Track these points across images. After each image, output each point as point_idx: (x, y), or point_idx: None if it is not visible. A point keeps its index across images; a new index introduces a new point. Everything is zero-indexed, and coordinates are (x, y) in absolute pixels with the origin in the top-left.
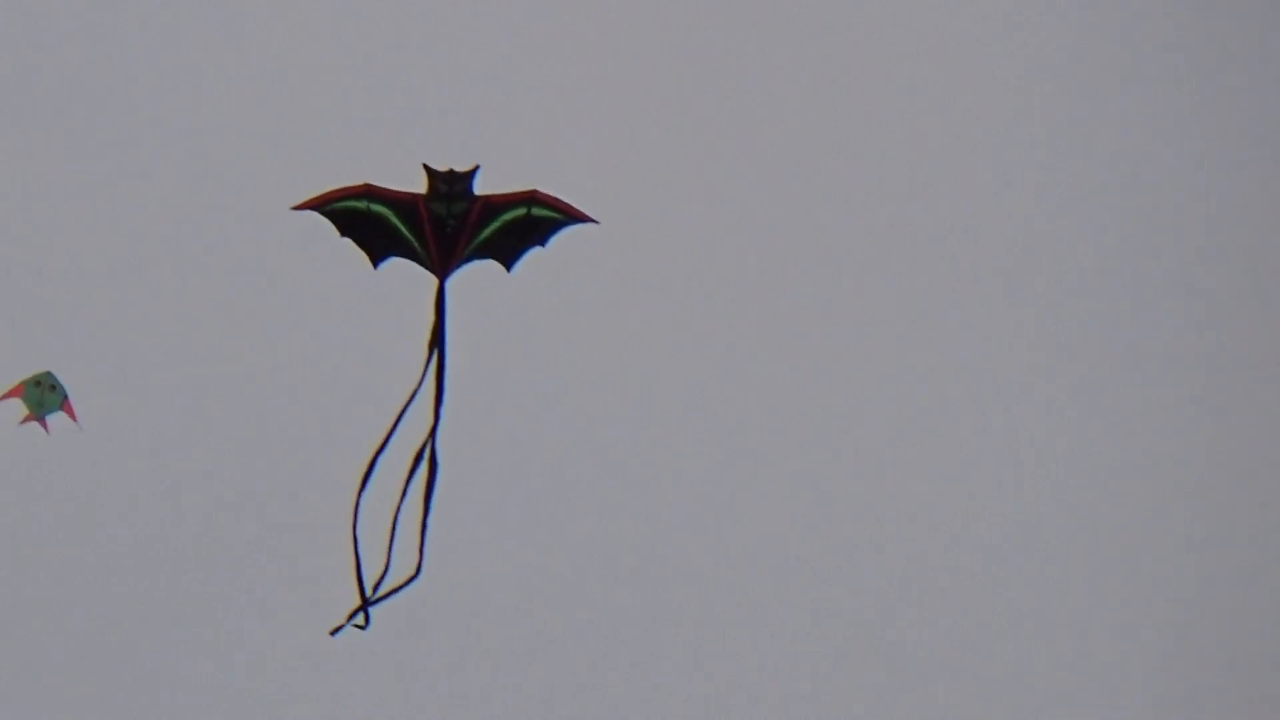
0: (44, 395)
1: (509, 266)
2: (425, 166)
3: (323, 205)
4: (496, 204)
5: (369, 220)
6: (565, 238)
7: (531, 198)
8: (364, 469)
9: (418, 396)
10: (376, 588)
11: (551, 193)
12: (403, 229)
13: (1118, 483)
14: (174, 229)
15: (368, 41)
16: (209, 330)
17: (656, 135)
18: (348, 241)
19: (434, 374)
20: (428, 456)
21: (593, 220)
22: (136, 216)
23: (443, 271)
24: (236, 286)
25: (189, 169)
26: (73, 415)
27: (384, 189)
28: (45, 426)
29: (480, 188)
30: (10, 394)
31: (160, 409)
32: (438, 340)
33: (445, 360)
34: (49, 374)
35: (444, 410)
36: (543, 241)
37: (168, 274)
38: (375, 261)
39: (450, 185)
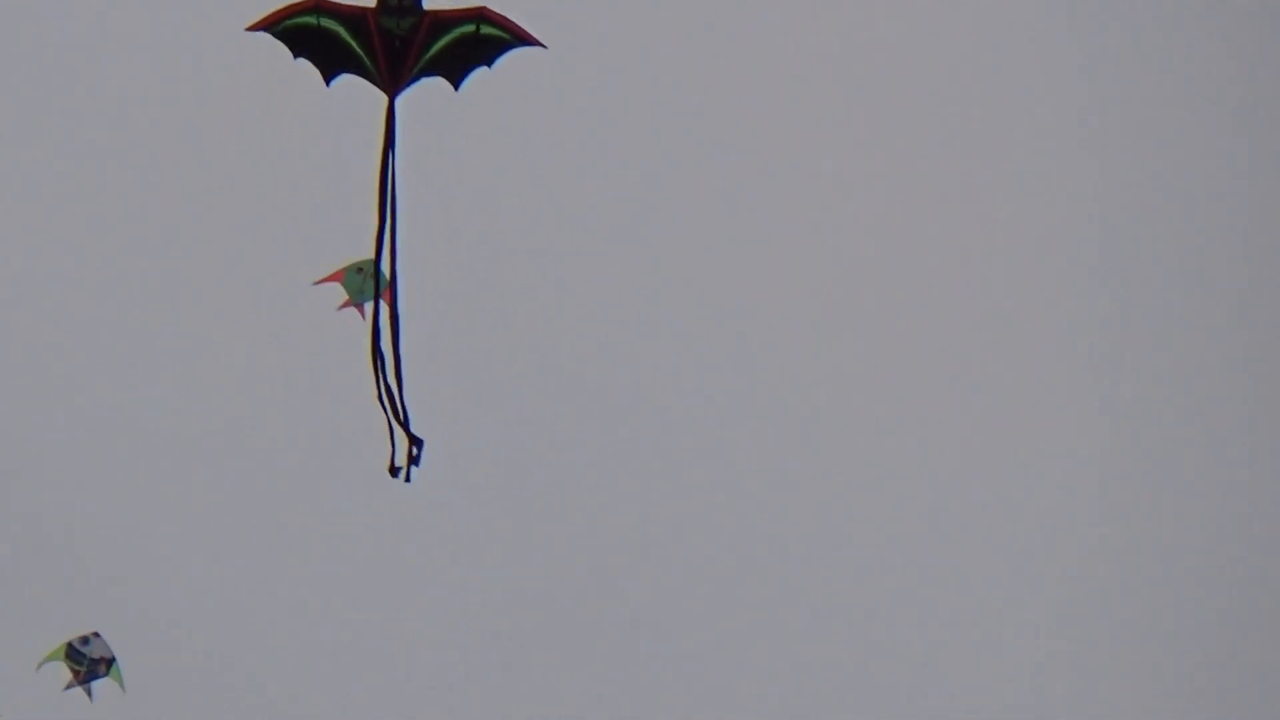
0: (364, 282)
1: (456, 85)
2: None
3: (275, 24)
4: (446, 19)
5: (320, 37)
6: (511, 60)
7: (481, 15)
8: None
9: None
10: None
11: (502, 12)
12: (353, 44)
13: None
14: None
15: None
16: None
17: None
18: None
19: (387, 190)
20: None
21: (540, 44)
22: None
23: (392, 88)
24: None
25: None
26: (391, 303)
27: (334, 3)
28: (362, 313)
29: (430, 3)
30: (331, 278)
31: None
32: (387, 158)
33: (395, 176)
34: (371, 261)
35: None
36: (489, 61)
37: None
38: (327, 79)
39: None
